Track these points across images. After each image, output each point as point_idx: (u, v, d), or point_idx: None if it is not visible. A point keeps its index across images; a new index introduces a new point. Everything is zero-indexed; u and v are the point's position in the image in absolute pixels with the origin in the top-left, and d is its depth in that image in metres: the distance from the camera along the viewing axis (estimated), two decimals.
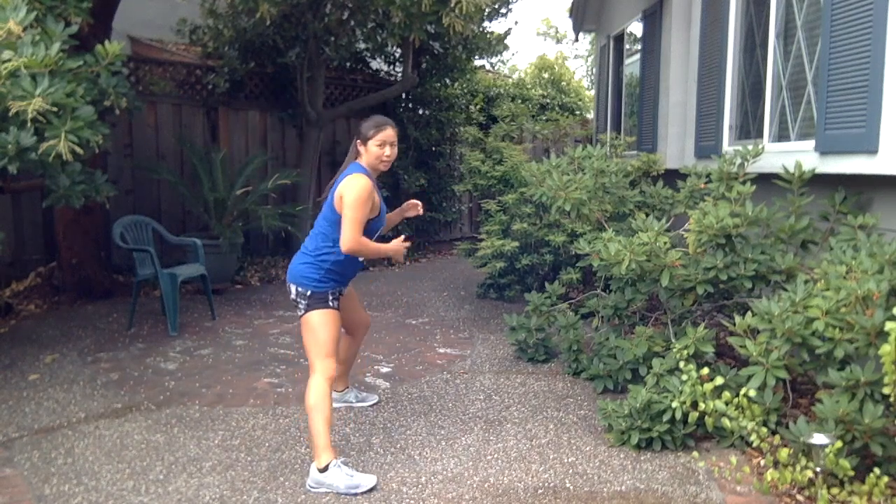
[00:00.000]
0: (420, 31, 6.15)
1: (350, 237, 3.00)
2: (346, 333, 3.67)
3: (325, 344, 3.08)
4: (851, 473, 2.60)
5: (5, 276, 6.30)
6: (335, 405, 3.75)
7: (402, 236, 3.37)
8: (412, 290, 7.23)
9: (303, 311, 3.15)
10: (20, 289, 6.26)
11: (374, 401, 3.94)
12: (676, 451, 3.29)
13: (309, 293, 3.12)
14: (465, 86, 10.17)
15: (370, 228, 3.17)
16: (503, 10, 8.35)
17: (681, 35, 6.30)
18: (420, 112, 9.47)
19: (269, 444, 3.38)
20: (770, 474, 2.71)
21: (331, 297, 3.16)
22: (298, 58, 7.34)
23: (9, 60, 3.55)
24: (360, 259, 3.27)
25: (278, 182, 7.23)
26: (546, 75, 13.43)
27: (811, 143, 4.08)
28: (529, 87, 12.10)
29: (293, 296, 3.18)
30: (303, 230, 7.70)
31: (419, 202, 3.56)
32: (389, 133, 3.20)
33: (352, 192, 3.03)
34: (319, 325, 3.10)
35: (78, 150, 3.70)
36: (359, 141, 3.21)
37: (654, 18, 6.78)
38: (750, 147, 4.06)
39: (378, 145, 3.17)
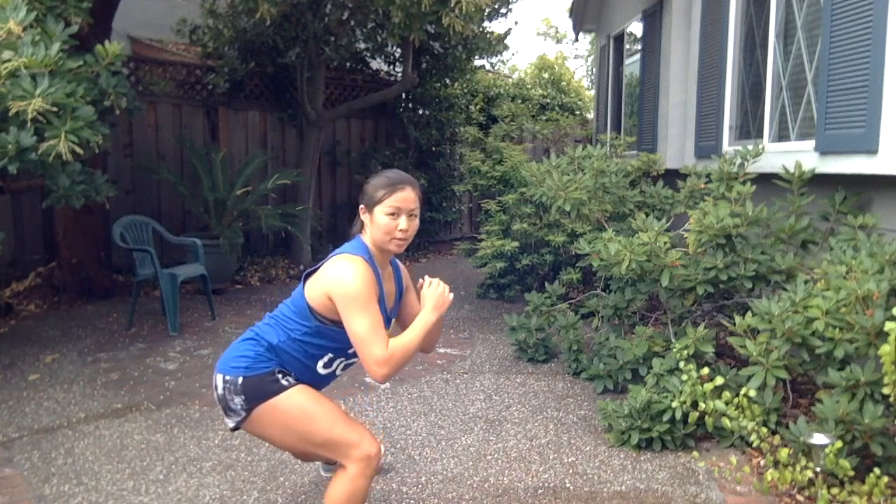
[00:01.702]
0: (420, 31, 6.14)
1: (377, 357, 1.99)
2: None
3: (332, 429, 2.08)
4: (851, 473, 2.60)
5: (5, 276, 6.30)
6: (324, 474, 2.97)
7: (423, 280, 2.27)
8: None
9: (241, 415, 2.13)
10: (20, 289, 6.26)
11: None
12: (676, 451, 3.29)
13: (240, 381, 2.11)
14: (465, 86, 10.17)
15: (336, 335, 2.19)
16: (503, 10, 8.34)
17: (681, 35, 6.30)
18: (420, 112, 9.47)
19: (269, 445, 3.38)
20: (770, 474, 2.71)
21: (280, 375, 2.15)
22: (298, 58, 7.33)
23: (9, 60, 3.56)
24: (327, 369, 2.28)
25: (278, 182, 7.23)
26: (546, 75, 13.43)
27: (811, 143, 4.08)
28: (529, 87, 12.09)
29: (219, 395, 2.16)
30: (303, 230, 7.71)
31: (429, 280, 2.29)
32: (409, 196, 2.13)
33: (350, 286, 2.01)
34: (298, 413, 2.10)
35: (78, 150, 3.70)
36: (363, 207, 2.20)
37: (654, 18, 6.78)
38: (750, 147, 4.06)
39: (389, 213, 2.11)
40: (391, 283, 2.30)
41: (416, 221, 2.18)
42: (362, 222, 2.23)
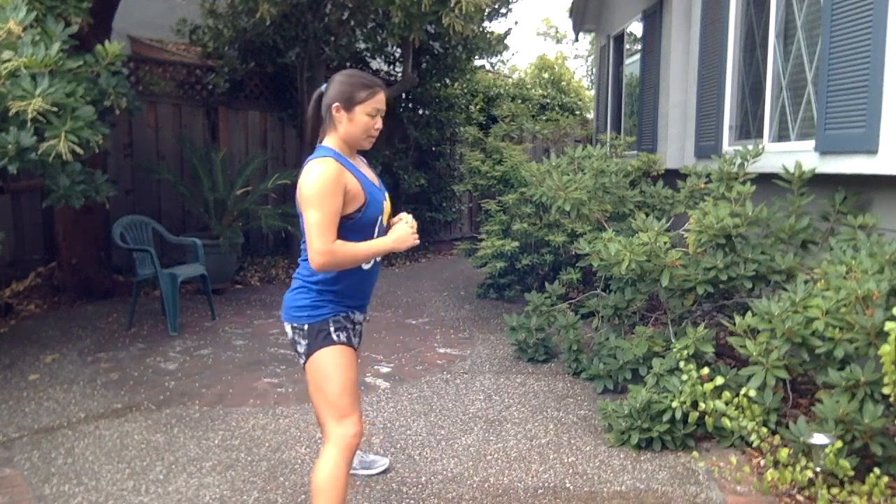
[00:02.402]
0: (420, 31, 6.15)
1: (317, 247, 2.13)
2: None
3: (337, 397, 2.26)
4: (851, 473, 2.60)
5: (5, 276, 6.30)
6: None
7: (401, 215, 2.43)
8: (412, 289, 7.23)
9: (303, 358, 2.33)
10: (20, 289, 6.26)
11: (383, 467, 3.11)
12: (676, 451, 3.29)
13: (305, 327, 2.30)
14: (465, 86, 10.17)
15: (359, 225, 2.27)
16: (503, 10, 8.34)
17: (681, 35, 6.30)
18: (420, 112, 9.47)
19: (269, 444, 3.38)
20: (770, 474, 2.71)
21: (333, 328, 2.30)
22: (298, 58, 7.34)
23: (9, 60, 3.56)
24: (366, 266, 2.37)
25: (278, 182, 7.23)
26: (546, 75, 13.43)
27: (811, 143, 4.08)
28: (529, 87, 12.10)
29: (290, 338, 2.38)
30: (303, 230, 7.70)
31: (406, 217, 2.45)
32: (383, 98, 2.33)
33: (309, 184, 2.16)
34: (325, 371, 2.27)
35: (78, 150, 3.70)
36: (337, 105, 2.26)
37: (654, 18, 6.78)
38: (750, 147, 4.06)
39: (369, 113, 2.28)
40: (368, 169, 2.42)
41: (381, 121, 2.38)
42: (333, 120, 2.29)
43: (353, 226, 2.25)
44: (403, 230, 2.32)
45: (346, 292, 2.34)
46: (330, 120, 2.30)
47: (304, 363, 2.34)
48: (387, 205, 2.44)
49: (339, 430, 2.25)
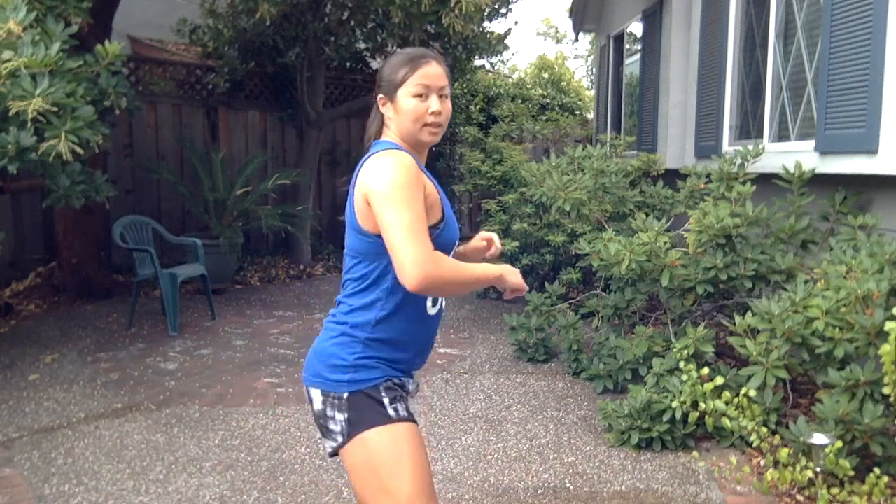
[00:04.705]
0: (420, 32, 6.15)
1: (415, 255, 1.49)
2: None
3: (410, 499, 1.59)
4: (851, 473, 2.60)
5: (5, 276, 6.30)
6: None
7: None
8: None
9: (342, 440, 1.65)
10: (20, 289, 6.26)
11: None
12: (676, 451, 3.29)
13: (345, 396, 1.64)
14: (465, 86, 10.17)
15: (438, 244, 1.62)
16: (503, 10, 8.33)
17: (681, 35, 6.30)
18: None
19: (269, 444, 3.38)
20: (770, 474, 2.71)
21: (386, 397, 1.65)
22: (298, 58, 7.34)
23: (9, 60, 3.56)
24: (435, 307, 1.75)
25: (278, 182, 7.23)
26: (546, 75, 13.42)
27: (811, 143, 4.08)
28: (529, 87, 12.09)
29: (317, 410, 1.70)
30: (303, 230, 7.71)
31: (493, 237, 1.98)
32: (436, 71, 1.68)
33: (385, 178, 1.56)
34: (383, 462, 1.60)
35: (78, 150, 3.70)
36: (382, 97, 1.73)
37: (654, 18, 6.78)
38: (750, 147, 4.06)
39: (417, 94, 1.66)
40: (436, 189, 1.74)
41: (449, 103, 1.72)
42: (380, 121, 1.75)
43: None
44: (517, 279, 1.75)
45: (403, 345, 1.70)
46: (381, 119, 1.76)
47: (341, 445, 1.65)
48: None
49: None
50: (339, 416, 1.64)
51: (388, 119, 1.73)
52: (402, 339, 1.70)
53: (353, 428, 1.63)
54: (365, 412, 1.63)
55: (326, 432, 1.68)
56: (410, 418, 1.67)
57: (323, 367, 1.68)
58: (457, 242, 1.80)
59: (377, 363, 1.67)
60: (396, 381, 1.70)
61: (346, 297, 1.72)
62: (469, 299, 6.70)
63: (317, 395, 1.68)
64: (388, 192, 1.54)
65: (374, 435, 1.61)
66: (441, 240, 1.66)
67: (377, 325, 1.67)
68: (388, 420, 1.63)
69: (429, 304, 1.73)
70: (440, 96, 1.68)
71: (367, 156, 1.68)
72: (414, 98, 1.66)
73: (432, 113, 1.67)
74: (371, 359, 1.66)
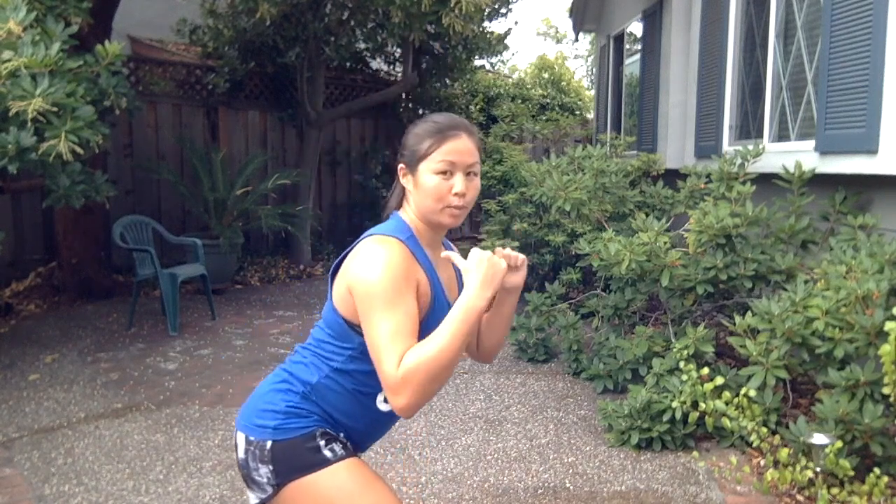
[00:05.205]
0: (420, 31, 6.15)
1: (388, 373, 1.35)
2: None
3: None
4: (851, 473, 2.60)
5: (5, 276, 6.30)
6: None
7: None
8: None
9: (271, 491, 1.52)
10: (20, 289, 6.26)
11: None
12: (676, 451, 3.29)
13: (268, 446, 1.51)
14: (465, 86, 10.17)
15: (425, 330, 1.46)
16: (503, 10, 8.35)
17: (681, 35, 6.30)
18: (420, 112, 9.47)
19: None
20: (770, 474, 2.71)
21: (321, 440, 1.52)
22: (298, 58, 7.34)
23: (9, 60, 3.56)
24: (387, 404, 1.58)
25: (278, 182, 7.23)
26: (546, 75, 13.42)
27: (811, 143, 4.08)
28: (529, 87, 12.10)
29: (240, 459, 1.56)
30: (303, 230, 7.71)
31: (521, 257, 1.60)
32: (464, 146, 1.51)
33: (371, 272, 1.42)
34: (344, 490, 1.48)
35: (78, 150, 3.70)
36: (402, 166, 1.57)
37: (654, 18, 6.78)
38: (750, 147, 4.06)
39: (440, 171, 1.50)
40: (449, 270, 1.65)
41: (478, 182, 1.54)
42: (401, 192, 1.60)
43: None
44: (480, 261, 1.43)
45: (348, 423, 1.58)
46: (402, 189, 1.60)
47: (269, 498, 1.52)
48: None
49: None
50: (263, 469, 1.51)
51: (408, 192, 1.57)
52: (345, 418, 1.57)
53: (284, 478, 1.49)
54: (294, 460, 1.49)
55: (251, 483, 1.54)
56: (351, 454, 1.54)
57: (252, 411, 1.57)
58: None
59: (310, 413, 1.54)
60: (331, 433, 1.54)
61: (302, 348, 1.63)
62: None
63: (241, 441, 1.56)
64: (375, 295, 1.41)
65: (312, 480, 1.47)
66: (428, 325, 1.48)
67: (316, 389, 1.55)
68: (326, 462, 1.48)
69: (379, 398, 1.59)
70: (467, 174, 1.52)
71: (363, 235, 1.54)
72: (437, 175, 1.49)
73: (455, 194, 1.50)
74: (304, 410, 1.54)
